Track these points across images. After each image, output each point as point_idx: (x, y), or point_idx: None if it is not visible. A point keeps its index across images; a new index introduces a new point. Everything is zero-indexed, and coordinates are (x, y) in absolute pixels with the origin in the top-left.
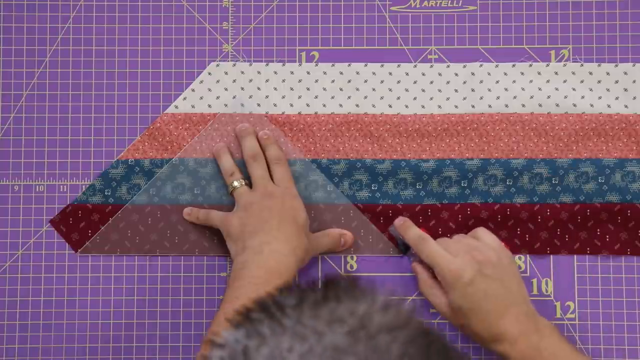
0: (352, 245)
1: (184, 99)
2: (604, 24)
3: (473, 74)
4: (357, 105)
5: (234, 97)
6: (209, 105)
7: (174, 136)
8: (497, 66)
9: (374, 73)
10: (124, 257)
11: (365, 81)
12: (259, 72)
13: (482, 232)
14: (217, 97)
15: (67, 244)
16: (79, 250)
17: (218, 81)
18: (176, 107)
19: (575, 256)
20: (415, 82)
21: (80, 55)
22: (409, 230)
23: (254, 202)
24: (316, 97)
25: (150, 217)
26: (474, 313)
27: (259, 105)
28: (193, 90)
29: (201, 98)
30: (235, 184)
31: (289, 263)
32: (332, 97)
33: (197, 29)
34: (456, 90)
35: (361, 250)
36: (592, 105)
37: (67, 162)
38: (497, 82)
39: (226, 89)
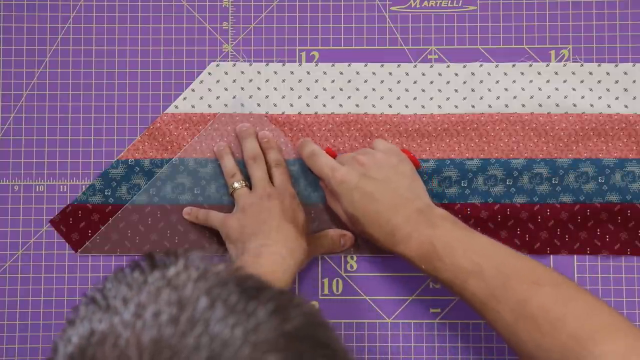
0: (352, 245)
1: (184, 99)
2: (604, 24)
3: (473, 74)
4: (357, 105)
5: (234, 97)
6: (209, 105)
7: (174, 136)
8: (497, 66)
9: (374, 73)
10: (124, 257)
11: (365, 81)
12: (259, 72)
13: (378, 141)
14: (217, 97)
15: (67, 244)
16: (79, 250)
17: (218, 81)
18: (176, 107)
19: (575, 256)
20: (415, 82)
21: (80, 55)
22: (304, 147)
23: (253, 204)
24: (316, 97)
25: (150, 217)
26: (365, 217)
27: (259, 105)
28: (193, 90)
29: (201, 98)
30: (236, 185)
31: (288, 265)
32: (332, 97)
33: (197, 29)
34: (456, 90)
35: (361, 250)
36: (592, 105)
37: (67, 162)
38: (497, 82)
39: (226, 89)
